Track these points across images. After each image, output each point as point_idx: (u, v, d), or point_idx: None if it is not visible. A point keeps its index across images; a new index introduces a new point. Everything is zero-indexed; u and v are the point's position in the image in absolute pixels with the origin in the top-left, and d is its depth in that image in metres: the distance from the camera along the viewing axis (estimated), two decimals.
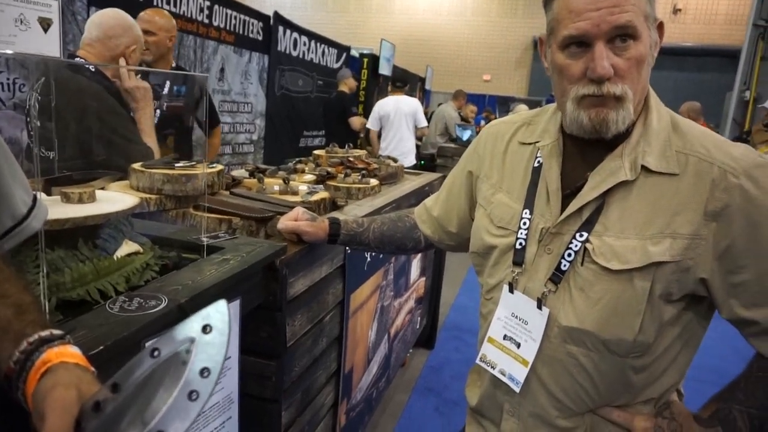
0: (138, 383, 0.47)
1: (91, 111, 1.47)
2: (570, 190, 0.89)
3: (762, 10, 5.39)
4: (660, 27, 0.84)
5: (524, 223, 0.92)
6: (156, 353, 0.48)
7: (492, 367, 0.97)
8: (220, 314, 0.48)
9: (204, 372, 0.45)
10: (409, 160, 5.13)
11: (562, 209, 0.88)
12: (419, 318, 2.80)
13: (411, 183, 2.48)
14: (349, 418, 1.80)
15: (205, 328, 0.47)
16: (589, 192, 0.85)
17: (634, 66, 0.79)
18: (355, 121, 5.19)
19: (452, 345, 3.33)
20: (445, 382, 2.88)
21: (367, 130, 5.39)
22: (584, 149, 0.89)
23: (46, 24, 1.56)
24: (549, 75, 0.90)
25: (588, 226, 0.85)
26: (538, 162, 0.94)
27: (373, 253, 1.79)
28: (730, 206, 0.78)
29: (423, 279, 2.72)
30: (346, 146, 2.52)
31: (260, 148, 5.55)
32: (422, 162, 6.26)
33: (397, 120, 5.08)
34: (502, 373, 0.95)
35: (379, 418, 2.48)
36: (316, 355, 1.45)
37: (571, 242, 0.86)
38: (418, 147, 6.58)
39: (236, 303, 1.00)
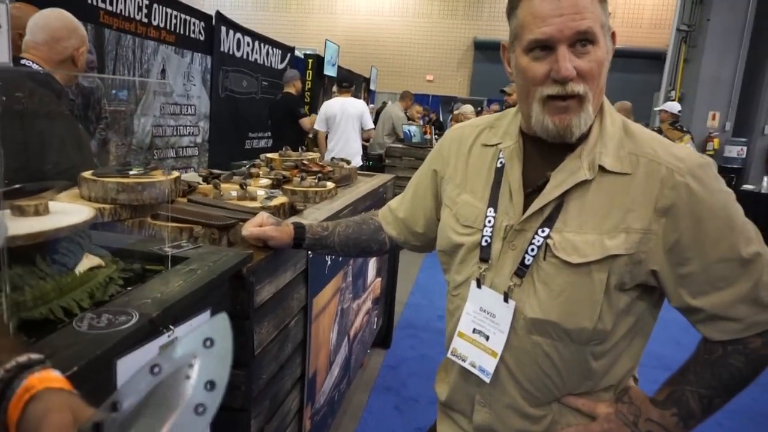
0: (139, 401, 0.46)
1: (41, 117, 1.40)
2: (531, 188, 0.94)
3: (684, 15, 5.78)
4: (613, 36, 0.91)
5: (489, 221, 0.96)
6: (156, 369, 0.47)
7: (463, 360, 1.01)
8: (221, 327, 0.48)
9: (208, 385, 0.45)
10: (356, 161, 5.15)
11: (525, 207, 0.93)
12: (376, 318, 2.82)
13: (366, 185, 2.50)
14: (313, 423, 1.80)
15: (206, 342, 0.47)
16: (551, 191, 0.90)
17: (595, 69, 0.85)
18: (306, 122, 5.14)
19: (408, 343, 3.37)
20: (403, 379, 2.92)
21: (315, 132, 5.36)
22: (543, 150, 0.94)
23: None
24: (512, 79, 0.95)
25: (549, 222, 0.90)
26: (501, 163, 0.98)
27: (333, 256, 1.80)
28: (677, 203, 0.85)
29: (379, 279, 2.74)
30: (300, 149, 2.50)
31: (204, 150, 5.39)
32: (370, 162, 6.28)
33: (344, 122, 5.08)
34: (473, 365, 0.99)
35: (341, 420, 2.49)
36: (282, 362, 1.44)
37: (533, 238, 0.91)
38: (365, 148, 6.60)
39: (206, 313, 0.98)
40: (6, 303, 0.73)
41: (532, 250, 0.91)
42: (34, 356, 0.55)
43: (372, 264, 2.53)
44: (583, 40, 0.83)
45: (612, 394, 0.97)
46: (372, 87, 12.04)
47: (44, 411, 0.48)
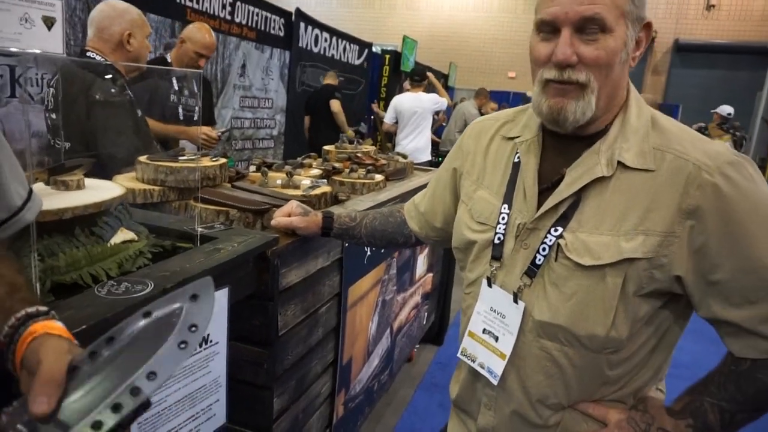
0: (132, 336, 0.53)
1: (99, 105, 1.54)
2: (547, 185, 0.90)
3: None
4: (647, 26, 0.85)
5: (503, 219, 0.93)
6: (148, 315, 0.55)
7: (472, 360, 0.99)
8: (206, 286, 0.56)
9: (192, 327, 0.52)
10: (425, 156, 5.14)
11: (540, 204, 0.89)
12: (426, 314, 2.82)
13: (419, 179, 2.50)
14: (347, 409, 1.84)
15: (194, 297, 0.55)
16: (565, 189, 0.86)
17: (602, 57, 0.80)
18: (334, 104, 5.13)
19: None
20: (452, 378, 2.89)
21: (381, 122, 5.42)
22: (563, 145, 0.90)
23: (50, 22, 1.64)
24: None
25: (563, 221, 0.86)
26: (518, 158, 0.95)
27: (374, 248, 1.82)
28: (703, 204, 0.78)
29: (430, 275, 2.74)
30: (355, 141, 2.55)
31: (280, 143, 5.63)
32: (440, 158, 6.25)
33: (414, 116, 5.08)
34: (482, 366, 0.97)
35: (383, 412, 2.51)
36: (311, 345, 1.49)
37: (546, 237, 0.87)
38: (437, 144, 6.57)
39: (225, 291, 1.04)
40: (35, 266, 0.81)
41: (544, 249, 0.87)
42: (42, 308, 0.63)
43: (422, 258, 2.53)
44: (591, 26, 0.79)
45: (628, 401, 0.92)
46: (450, 83, 11.94)
47: (41, 342, 0.56)
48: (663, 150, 0.83)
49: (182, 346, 0.51)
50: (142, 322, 0.55)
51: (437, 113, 5.27)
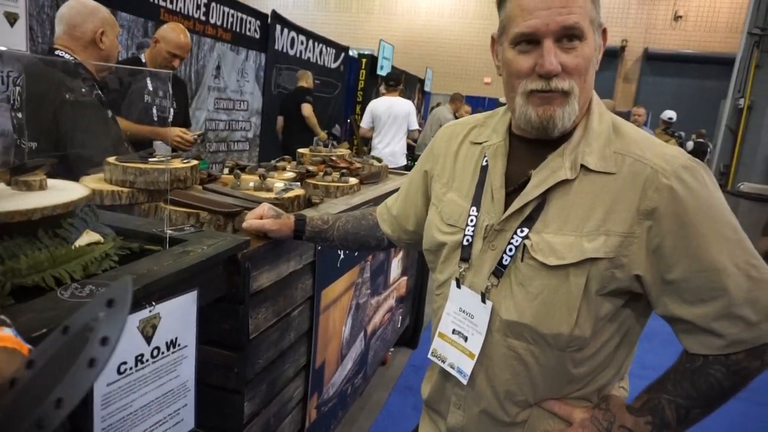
0: (49, 358, 0.50)
1: (67, 104, 1.50)
2: (514, 187, 0.92)
3: (758, 18, 5.41)
4: (604, 33, 0.88)
5: (471, 221, 0.95)
6: (66, 330, 0.51)
7: (442, 360, 1.00)
8: (122, 290, 0.51)
9: (104, 341, 0.48)
10: (401, 161, 5.16)
11: (507, 206, 0.91)
12: (400, 317, 2.82)
13: (393, 182, 2.51)
14: (320, 413, 1.83)
15: (110, 303, 0.51)
16: (531, 190, 0.88)
17: (582, 64, 0.83)
18: (305, 108, 5.10)
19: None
20: None
21: (358, 127, 5.42)
22: (529, 148, 0.92)
23: (12, 18, 1.60)
24: (499, 74, 0.94)
25: (529, 222, 0.88)
26: (486, 161, 0.97)
27: (346, 251, 1.82)
28: (660, 206, 0.81)
29: (404, 278, 2.75)
30: (330, 145, 2.54)
31: (255, 146, 5.58)
32: (415, 163, 6.28)
33: (389, 121, 5.10)
34: (452, 367, 0.98)
35: (357, 415, 2.51)
36: (283, 349, 1.48)
37: (512, 238, 0.89)
38: (412, 148, 6.60)
39: (193, 293, 1.02)
40: None
41: (510, 250, 0.89)
42: None
43: (396, 262, 2.53)
44: (570, 35, 0.81)
45: (592, 399, 0.94)
46: (427, 88, 12.02)
47: None
48: (623, 154, 0.86)
49: (92, 364, 0.47)
50: (61, 341, 0.51)
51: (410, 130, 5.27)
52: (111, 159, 1.44)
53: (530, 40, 0.83)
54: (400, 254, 2.57)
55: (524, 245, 0.88)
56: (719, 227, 0.81)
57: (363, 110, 6.67)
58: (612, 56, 13.17)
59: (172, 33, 2.62)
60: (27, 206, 0.92)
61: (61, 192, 1.05)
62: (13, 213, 0.90)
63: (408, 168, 5.18)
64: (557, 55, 0.82)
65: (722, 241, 0.80)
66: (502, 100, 0.96)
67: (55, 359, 0.49)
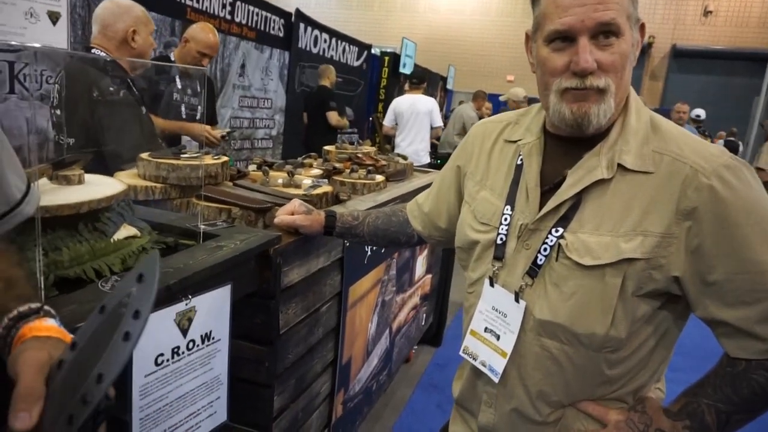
0: (89, 337, 0.52)
1: (102, 101, 1.53)
2: (549, 186, 0.91)
3: None
4: (641, 28, 0.86)
5: (505, 219, 0.94)
6: (103, 309, 0.53)
7: (474, 358, 1.00)
8: (150, 264, 0.53)
9: (136, 314, 0.49)
10: (424, 159, 5.14)
11: (542, 206, 0.90)
12: (425, 315, 2.82)
13: (419, 180, 2.50)
14: (346, 409, 1.84)
15: (140, 278, 0.52)
16: (567, 190, 0.87)
17: (618, 61, 0.81)
18: (332, 116, 5.10)
19: (459, 343, 3.33)
20: (449, 378, 2.88)
21: (380, 125, 5.41)
22: (565, 147, 0.91)
23: (54, 17, 1.63)
24: (533, 71, 0.92)
25: (564, 222, 0.87)
26: (521, 160, 0.96)
27: (374, 247, 1.82)
28: (700, 206, 0.79)
29: (429, 276, 2.74)
30: (356, 142, 2.55)
31: (279, 143, 5.63)
32: (438, 161, 6.25)
33: (412, 119, 5.09)
34: (483, 365, 0.98)
35: (381, 412, 2.51)
36: (311, 344, 1.48)
37: (547, 238, 0.88)
38: (435, 146, 6.58)
39: (227, 288, 1.03)
40: (39, 261, 0.81)
41: (545, 250, 0.88)
42: (34, 305, 0.62)
43: (421, 259, 2.53)
44: (606, 31, 0.80)
45: (629, 403, 0.92)
46: (449, 86, 11.97)
47: (22, 350, 0.55)
48: (661, 153, 0.84)
49: (126, 337, 0.49)
50: (99, 320, 0.53)
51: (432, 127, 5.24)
52: (144, 155, 1.46)
53: (565, 38, 0.82)
54: (425, 252, 2.56)
55: (559, 245, 0.86)
56: (763, 227, 0.78)
57: (385, 108, 6.66)
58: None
59: (202, 33, 2.66)
60: (75, 200, 0.94)
61: (100, 186, 1.07)
62: (63, 206, 0.92)
63: (431, 166, 5.17)
64: (593, 53, 0.80)
65: (766, 242, 0.78)
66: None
67: (95, 337, 0.51)
